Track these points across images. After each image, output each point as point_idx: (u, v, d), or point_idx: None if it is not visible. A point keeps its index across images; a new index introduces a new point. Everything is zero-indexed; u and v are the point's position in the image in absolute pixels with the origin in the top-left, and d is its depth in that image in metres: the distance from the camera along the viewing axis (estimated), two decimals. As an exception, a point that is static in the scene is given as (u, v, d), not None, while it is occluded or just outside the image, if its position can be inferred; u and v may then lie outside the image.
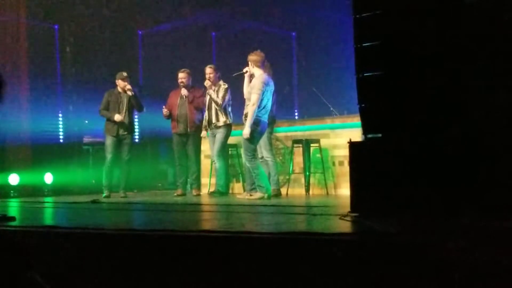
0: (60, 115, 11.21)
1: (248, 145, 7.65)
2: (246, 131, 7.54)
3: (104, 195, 8.83)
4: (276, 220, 4.95)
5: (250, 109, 7.53)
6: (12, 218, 4.94)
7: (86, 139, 11.27)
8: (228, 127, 8.67)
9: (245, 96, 7.86)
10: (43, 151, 10.42)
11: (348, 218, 4.35)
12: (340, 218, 4.38)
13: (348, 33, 4.82)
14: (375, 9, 4.41)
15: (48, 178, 10.28)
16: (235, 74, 8.10)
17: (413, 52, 4.36)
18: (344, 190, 8.11)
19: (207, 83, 8.66)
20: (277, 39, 11.91)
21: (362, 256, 3.09)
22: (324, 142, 8.79)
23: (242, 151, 7.83)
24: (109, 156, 8.97)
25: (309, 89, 10.23)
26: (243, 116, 7.72)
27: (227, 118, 8.64)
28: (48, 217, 6.36)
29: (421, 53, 4.34)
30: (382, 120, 4.59)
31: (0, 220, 4.78)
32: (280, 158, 9.21)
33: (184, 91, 8.99)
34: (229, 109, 8.72)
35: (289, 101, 11.69)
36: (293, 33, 12.24)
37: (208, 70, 8.76)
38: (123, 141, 9.02)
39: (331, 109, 9.24)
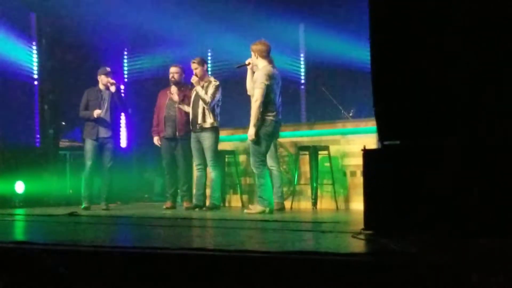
0: (35, 115, 11.20)
1: (255, 149, 7.60)
2: (251, 131, 7.52)
3: (83, 206, 8.83)
4: (279, 237, 4.96)
5: (253, 106, 7.53)
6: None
7: (62, 144, 11.23)
8: (215, 130, 8.63)
9: (248, 92, 7.86)
10: (14, 156, 10.39)
11: (362, 236, 4.36)
12: (352, 236, 4.39)
13: (363, 25, 4.83)
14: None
15: (19, 187, 10.26)
16: (238, 66, 8.11)
17: (439, 46, 4.37)
18: (356, 204, 8.13)
19: (193, 78, 8.63)
20: (282, 30, 11.91)
21: (378, 278, 3.10)
22: (334, 149, 8.79)
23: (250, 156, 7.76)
24: (88, 163, 9.00)
25: (317, 88, 10.24)
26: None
27: (214, 120, 8.58)
28: (19, 231, 6.36)
29: (449, 46, 4.35)
30: (401, 125, 4.60)
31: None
32: (284, 167, 9.22)
33: (173, 89, 8.99)
34: (218, 110, 8.67)
35: (295, 102, 11.71)
36: (301, 25, 12.26)
37: (193, 65, 8.74)
38: (105, 146, 9.03)
39: (342, 111, 9.25)
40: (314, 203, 8.67)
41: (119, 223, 7.06)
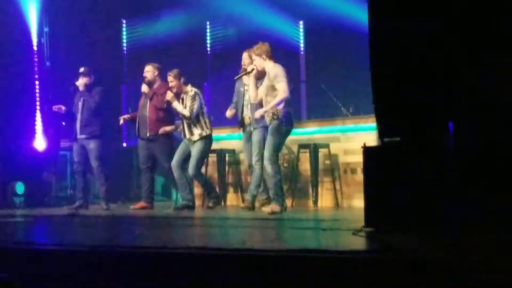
0: (36, 115, 11.17)
1: (273, 142, 7.23)
2: (260, 111, 7.31)
3: (75, 205, 8.90)
4: (280, 235, 4.98)
5: (281, 96, 7.15)
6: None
7: (63, 144, 11.20)
8: (205, 139, 8.34)
9: (252, 100, 7.65)
10: (13, 157, 10.38)
11: (362, 234, 4.38)
12: (353, 234, 4.40)
13: (363, 21, 4.84)
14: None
15: (19, 187, 10.26)
16: (238, 76, 7.99)
17: (437, 42, 4.39)
18: (357, 202, 8.13)
19: (168, 95, 8.32)
20: (281, 27, 11.89)
21: (378, 275, 3.11)
22: (334, 147, 8.78)
23: (265, 151, 7.30)
24: (74, 164, 9.10)
25: (317, 85, 10.24)
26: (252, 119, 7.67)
27: (202, 129, 8.31)
28: (20, 232, 6.37)
29: (447, 43, 4.36)
30: (401, 121, 4.61)
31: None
32: (285, 165, 9.21)
33: (143, 87, 8.82)
34: (205, 116, 8.41)
35: (295, 99, 11.69)
36: (300, 21, 12.26)
37: (169, 78, 8.42)
38: (87, 147, 8.96)
39: (342, 108, 9.25)
40: (315, 201, 8.67)
41: (119, 222, 7.10)
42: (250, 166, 8.13)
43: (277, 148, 7.32)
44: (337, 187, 8.72)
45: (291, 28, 12.28)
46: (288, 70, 7.50)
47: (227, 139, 9.72)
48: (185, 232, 5.69)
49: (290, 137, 9.06)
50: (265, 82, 7.38)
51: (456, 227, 4.16)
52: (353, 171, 8.67)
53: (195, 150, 8.26)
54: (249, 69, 7.53)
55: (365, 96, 5.95)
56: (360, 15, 5.28)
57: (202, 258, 3.60)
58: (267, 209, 7.39)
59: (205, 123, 8.37)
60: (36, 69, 11.07)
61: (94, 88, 9.04)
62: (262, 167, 7.68)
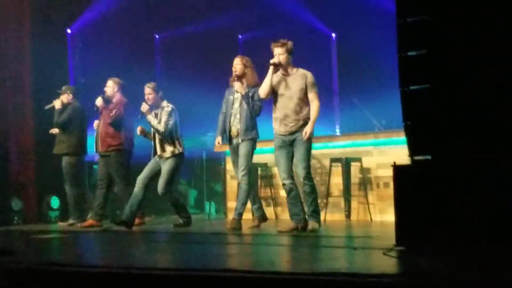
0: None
1: (309, 153, 6.88)
2: (311, 128, 6.81)
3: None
4: (310, 255, 4.92)
5: (318, 108, 6.83)
6: (9, 252, 4.99)
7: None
8: (177, 157, 8.11)
9: (262, 94, 7.01)
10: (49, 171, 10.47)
11: (393, 254, 4.31)
12: (384, 253, 4.34)
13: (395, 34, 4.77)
14: (421, 14, 4.38)
15: (55, 202, 10.34)
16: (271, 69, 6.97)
17: (467, 61, 4.32)
18: (390, 216, 7.97)
19: (143, 107, 8.03)
20: (314, 40, 11.85)
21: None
22: (366, 160, 8.73)
23: (298, 166, 6.89)
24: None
25: (349, 98, 10.17)
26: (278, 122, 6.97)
27: (175, 147, 8.08)
28: (52, 250, 6.41)
29: (476, 62, 4.29)
30: (431, 139, 4.55)
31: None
32: (317, 179, 9.16)
33: (98, 100, 8.69)
34: (178, 134, 8.19)
35: (328, 113, 11.62)
36: (333, 34, 12.22)
37: (146, 90, 8.16)
38: (106, 162, 8.88)
39: (374, 122, 9.17)
40: (348, 215, 8.61)
41: (139, 239, 7.13)
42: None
43: (310, 161, 7.00)
44: (370, 201, 8.64)
45: (324, 40, 12.24)
46: (321, 82, 7.33)
47: (259, 153, 9.69)
48: (212, 250, 5.66)
49: (322, 151, 9.06)
50: (298, 84, 6.91)
51: (490, 247, 4.08)
52: (386, 185, 8.58)
53: (166, 168, 8.05)
54: (276, 61, 6.88)
55: (397, 110, 5.89)
56: (392, 28, 5.25)
57: (229, 281, 3.58)
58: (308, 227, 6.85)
59: (178, 140, 8.15)
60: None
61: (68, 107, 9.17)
62: (249, 182, 7.46)
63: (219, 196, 11.21)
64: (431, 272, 3.47)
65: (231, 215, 9.46)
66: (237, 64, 7.55)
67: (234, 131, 7.59)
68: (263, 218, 7.97)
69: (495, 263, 3.78)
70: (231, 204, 9.82)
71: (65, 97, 9.18)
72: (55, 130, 9.31)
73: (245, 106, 7.46)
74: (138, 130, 8.21)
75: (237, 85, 7.52)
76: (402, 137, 7.98)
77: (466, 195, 4.24)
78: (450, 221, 4.27)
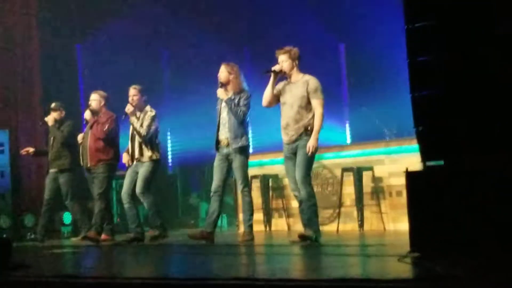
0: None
1: (309, 163, 6.71)
2: (314, 142, 6.61)
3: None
4: (324, 263, 4.92)
5: (320, 117, 6.65)
6: (27, 266, 5.02)
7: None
8: (154, 162, 8.01)
9: (267, 104, 6.97)
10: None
11: (408, 260, 4.30)
12: (398, 260, 4.34)
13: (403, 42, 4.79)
14: (430, 18, 4.39)
15: (67, 217, 10.36)
16: (267, 71, 6.89)
17: (478, 65, 4.32)
18: (404, 225, 7.96)
19: (128, 108, 7.98)
20: (323, 50, 11.87)
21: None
22: (378, 169, 8.71)
23: (296, 171, 6.70)
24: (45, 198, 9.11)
25: (359, 108, 10.18)
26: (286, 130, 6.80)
27: (153, 152, 7.99)
28: (68, 264, 6.44)
29: (487, 66, 4.29)
30: (444, 145, 4.54)
31: (15, 268, 4.86)
32: (329, 189, 9.16)
33: (86, 114, 8.63)
34: (157, 140, 8.17)
35: (339, 122, 11.63)
36: (342, 45, 12.24)
37: (132, 91, 8.10)
38: (58, 180, 8.98)
39: (385, 131, 9.17)
40: (361, 225, 8.60)
41: (157, 251, 7.15)
42: (217, 191, 7.40)
43: (311, 168, 6.85)
44: (383, 210, 8.61)
45: (333, 51, 12.27)
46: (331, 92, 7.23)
47: (270, 164, 9.71)
48: (230, 260, 5.67)
49: (334, 161, 9.05)
50: (299, 91, 6.75)
51: (505, 252, 4.06)
52: (399, 194, 8.55)
53: (143, 170, 7.93)
54: (276, 68, 6.79)
55: (408, 118, 5.91)
56: (401, 35, 5.26)
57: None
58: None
59: (156, 147, 8.07)
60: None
61: (64, 123, 9.12)
62: (250, 193, 7.44)
63: (230, 209, 11.19)
64: (446, 277, 3.46)
65: (243, 227, 9.52)
66: (222, 72, 7.46)
67: (223, 140, 7.43)
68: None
69: (510, 268, 3.77)
70: (258, 216, 9.82)
71: (58, 114, 9.09)
72: (29, 149, 9.34)
73: (231, 115, 7.33)
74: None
75: (219, 91, 7.42)
76: (414, 145, 8.01)
77: (479, 200, 4.22)
78: (464, 226, 4.25)
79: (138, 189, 7.90)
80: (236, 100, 7.32)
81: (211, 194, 7.44)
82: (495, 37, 4.22)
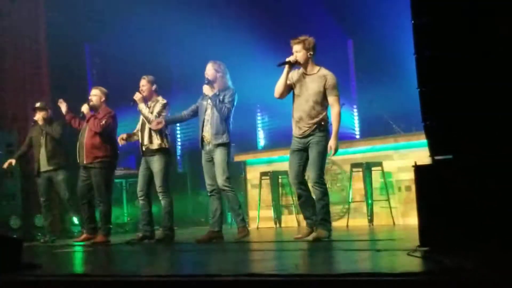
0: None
1: (323, 161, 6.62)
2: (335, 142, 6.55)
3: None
4: (333, 258, 4.94)
5: (338, 115, 6.56)
6: (38, 266, 5.06)
7: (118, 172, 11.30)
8: (164, 152, 7.91)
9: (279, 96, 6.76)
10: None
11: (417, 254, 4.32)
12: (408, 254, 4.35)
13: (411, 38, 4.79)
14: (437, 13, 4.39)
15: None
16: (281, 63, 6.67)
17: (485, 58, 4.32)
18: (413, 220, 7.97)
19: (137, 95, 7.92)
20: (331, 46, 11.85)
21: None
22: (387, 164, 8.73)
23: (310, 170, 6.59)
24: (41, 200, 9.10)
25: (367, 103, 10.18)
26: (298, 124, 6.65)
27: (162, 141, 7.89)
28: (78, 263, 6.48)
29: (495, 59, 4.29)
30: (452, 138, 4.54)
31: (25, 268, 4.89)
32: (338, 185, 9.18)
33: (83, 107, 8.40)
34: (167, 131, 8.05)
35: (347, 118, 11.62)
36: (350, 40, 12.23)
37: (142, 81, 8.06)
38: (53, 180, 8.95)
39: (394, 126, 9.17)
40: (370, 220, 8.62)
41: (171, 249, 7.17)
42: (213, 190, 7.38)
43: (325, 166, 6.79)
44: (392, 205, 8.63)
45: (341, 46, 12.25)
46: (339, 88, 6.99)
47: (280, 161, 9.73)
48: (237, 257, 5.70)
49: (343, 157, 9.05)
50: (315, 86, 6.58)
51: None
52: (408, 189, 8.57)
53: (156, 167, 7.85)
54: (291, 59, 6.59)
55: (416, 113, 5.91)
56: (409, 32, 5.25)
57: (254, 284, 3.60)
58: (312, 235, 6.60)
59: (166, 136, 7.95)
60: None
61: (53, 122, 9.07)
62: (232, 187, 7.28)
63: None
64: (456, 270, 3.47)
65: (253, 224, 9.57)
66: (209, 70, 7.45)
67: (207, 136, 7.40)
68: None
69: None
70: (253, 213, 9.89)
71: (45, 113, 9.01)
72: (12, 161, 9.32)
73: (215, 111, 7.33)
74: (119, 139, 8.09)
75: (205, 88, 7.43)
76: (423, 140, 7.98)
77: (488, 193, 4.22)
78: (474, 220, 4.26)
79: (158, 186, 7.84)
80: (221, 97, 7.33)
81: (208, 194, 7.45)
82: (502, 31, 4.22)
